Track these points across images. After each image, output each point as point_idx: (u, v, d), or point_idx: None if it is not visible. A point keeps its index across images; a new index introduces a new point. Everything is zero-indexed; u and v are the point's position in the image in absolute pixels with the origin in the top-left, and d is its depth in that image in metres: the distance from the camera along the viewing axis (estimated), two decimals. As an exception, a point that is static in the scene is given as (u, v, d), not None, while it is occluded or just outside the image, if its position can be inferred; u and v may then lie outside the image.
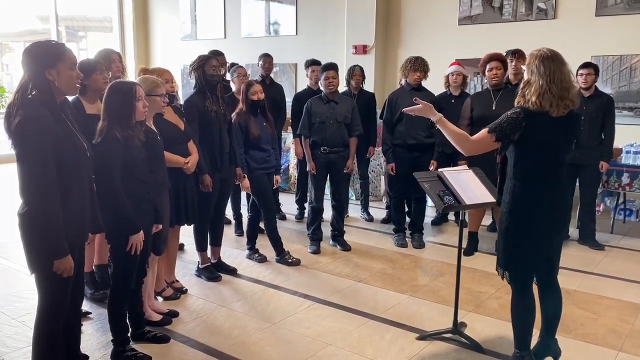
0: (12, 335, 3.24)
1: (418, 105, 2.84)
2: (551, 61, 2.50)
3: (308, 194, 5.09)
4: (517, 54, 4.91)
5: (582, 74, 4.85)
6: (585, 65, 4.91)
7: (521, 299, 2.70)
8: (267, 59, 5.92)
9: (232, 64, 5.73)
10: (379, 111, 5.88)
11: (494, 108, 4.50)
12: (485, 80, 4.92)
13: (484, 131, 2.60)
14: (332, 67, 4.81)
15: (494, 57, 4.66)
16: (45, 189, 2.22)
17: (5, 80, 13.53)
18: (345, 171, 4.95)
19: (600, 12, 6.22)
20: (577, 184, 5.06)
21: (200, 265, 4.26)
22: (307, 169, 4.86)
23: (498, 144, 2.58)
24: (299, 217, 6.03)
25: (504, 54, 4.98)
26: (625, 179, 5.32)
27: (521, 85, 2.58)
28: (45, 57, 2.28)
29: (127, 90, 2.79)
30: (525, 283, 2.69)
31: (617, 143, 5.47)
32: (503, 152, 2.68)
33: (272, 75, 6.03)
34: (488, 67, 4.64)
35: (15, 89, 2.33)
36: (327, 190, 5.12)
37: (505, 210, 2.64)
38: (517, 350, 2.74)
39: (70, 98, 2.77)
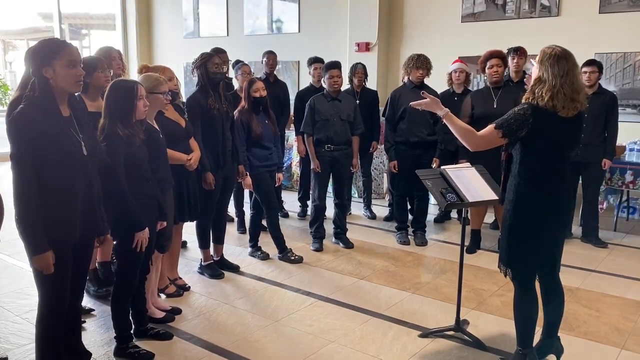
0: (15, 332, 3.25)
1: (425, 100, 2.82)
2: (565, 61, 2.48)
3: (311, 192, 5.09)
4: (519, 52, 4.90)
5: (585, 72, 4.84)
6: (589, 62, 4.90)
7: (524, 297, 2.70)
8: (271, 56, 5.91)
9: (237, 61, 5.72)
10: (381, 109, 5.88)
11: (495, 106, 4.49)
12: (485, 78, 4.91)
13: (490, 127, 2.58)
14: (337, 65, 4.80)
15: (494, 54, 4.64)
16: (22, 186, 2.24)
17: (9, 78, 13.58)
18: (352, 170, 5.00)
19: (604, 9, 6.20)
20: (580, 181, 5.05)
21: (202, 263, 4.26)
22: (312, 167, 4.85)
23: (504, 140, 2.56)
24: (302, 214, 6.03)
25: (506, 51, 4.97)
26: (628, 176, 5.30)
27: (531, 82, 2.56)
28: (42, 55, 2.28)
29: (129, 89, 2.79)
30: (528, 280, 2.69)
31: (621, 140, 5.45)
32: (510, 149, 2.67)
33: (275, 72, 6.02)
34: (488, 64, 4.62)
35: (17, 86, 2.34)
36: (330, 188, 5.11)
37: (509, 208, 2.64)
38: (519, 348, 2.73)
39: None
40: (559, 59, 2.48)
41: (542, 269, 2.74)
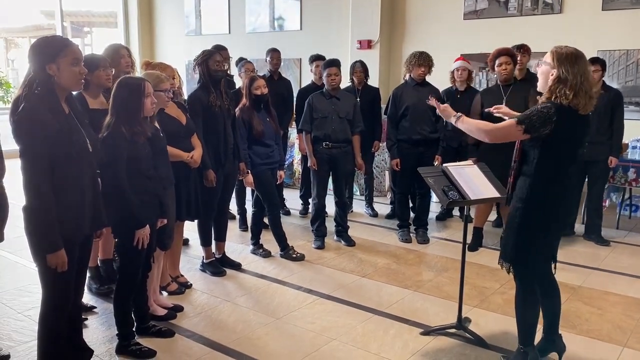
0: (18, 329, 3.26)
1: (439, 107, 2.84)
2: (581, 60, 2.51)
3: (311, 190, 5.09)
4: (523, 49, 4.88)
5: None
6: (592, 61, 4.87)
7: (526, 294, 2.70)
8: (274, 54, 5.90)
9: (240, 59, 5.71)
10: (383, 106, 5.86)
11: (504, 103, 4.47)
12: (495, 75, 4.89)
13: (511, 121, 2.56)
14: (334, 63, 4.79)
15: (503, 52, 4.62)
16: (38, 183, 2.23)
17: (11, 76, 13.59)
18: (360, 171, 5.03)
19: (606, 6, 6.18)
20: (586, 179, 5.04)
21: (204, 260, 4.27)
22: (308, 164, 4.85)
23: (525, 135, 2.53)
24: (303, 212, 6.03)
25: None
26: (631, 174, 5.29)
27: (550, 82, 2.52)
28: (45, 52, 2.28)
29: (136, 86, 2.79)
30: (531, 278, 2.69)
31: (624, 138, 5.44)
32: (528, 147, 2.61)
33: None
34: (497, 62, 4.60)
35: (20, 84, 2.34)
36: (330, 186, 5.11)
37: (521, 206, 2.62)
38: (521, 346, 2.73)
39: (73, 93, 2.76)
40: (577, 58, 2.50)
41: (545, 266, 2.73)
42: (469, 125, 2.72)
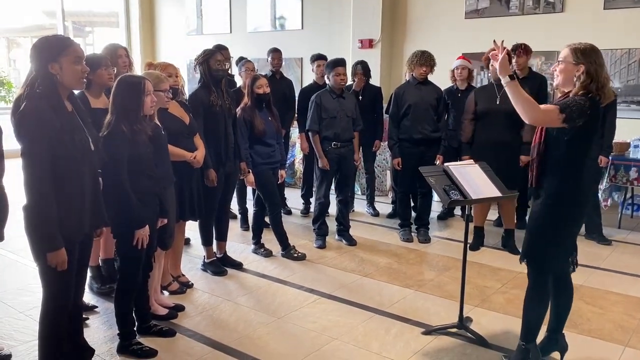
0: (19, 328, 3.26)
1: (501, 57, 2.63)
2: (599, 53, 2.56)
3: (314, 189, 5.08)
4: (519, 50, 4.86)
5: None
6: None
7: (539, 293, 2.70)
8: (275, 54, 5.90)
9: (240, 58, 5.70)
10: (384, 105, 5.86)
11: (497, 102, 4.47)
12: (490, 74, 4.88)
13: (554, 107, 2.50)
14: (343, 63, 4.77)
15: None
16: (39, 182, 2.24)
17: (13, 76, 13.59)
18: (356, 164, 5.02)
19: (608, 5, 6.17)
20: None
21: (206, 260, 4.27)
22: (320, 165, 4.78)
23: (563, 124, 2.49)
24: (305, 212, 6.03)
25: (510, 48, 4.94)
26: (633, 173, 5.28)
27: (581, 78, 2.51)
28: (48, 50, 2.28)
29: (136, 85, 2.79)
30: (548, 275, 2.69)
31: (626, 137, 5.42)
32: (565, 137, 2.56)
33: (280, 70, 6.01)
34: (492, 60, 4.58)
35: (22, 83, 2.34)
36: (332, 185, 5.11)
37: (551, 202, 2.60)
38: (523, 343, 2.73)
39: (75, 92, 2.77)
40: (597, 52, 2.54)
41: (565, 262, 2.73)
42: (518, 95, 2.53)
